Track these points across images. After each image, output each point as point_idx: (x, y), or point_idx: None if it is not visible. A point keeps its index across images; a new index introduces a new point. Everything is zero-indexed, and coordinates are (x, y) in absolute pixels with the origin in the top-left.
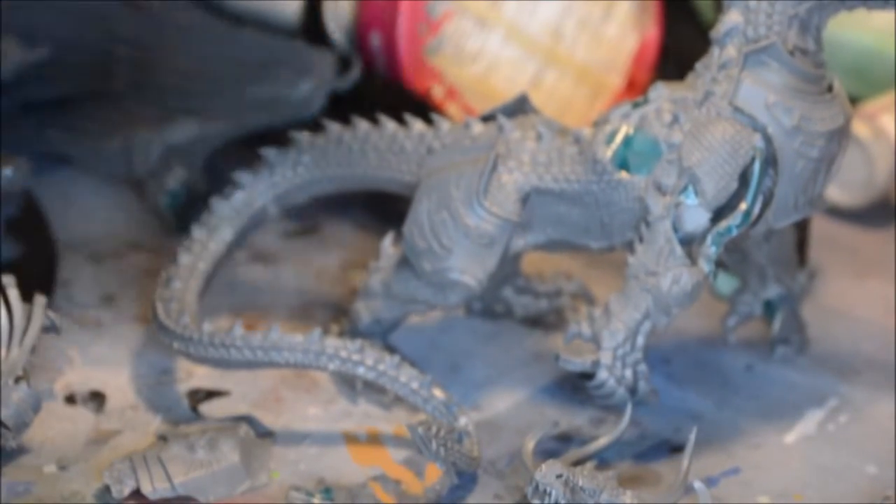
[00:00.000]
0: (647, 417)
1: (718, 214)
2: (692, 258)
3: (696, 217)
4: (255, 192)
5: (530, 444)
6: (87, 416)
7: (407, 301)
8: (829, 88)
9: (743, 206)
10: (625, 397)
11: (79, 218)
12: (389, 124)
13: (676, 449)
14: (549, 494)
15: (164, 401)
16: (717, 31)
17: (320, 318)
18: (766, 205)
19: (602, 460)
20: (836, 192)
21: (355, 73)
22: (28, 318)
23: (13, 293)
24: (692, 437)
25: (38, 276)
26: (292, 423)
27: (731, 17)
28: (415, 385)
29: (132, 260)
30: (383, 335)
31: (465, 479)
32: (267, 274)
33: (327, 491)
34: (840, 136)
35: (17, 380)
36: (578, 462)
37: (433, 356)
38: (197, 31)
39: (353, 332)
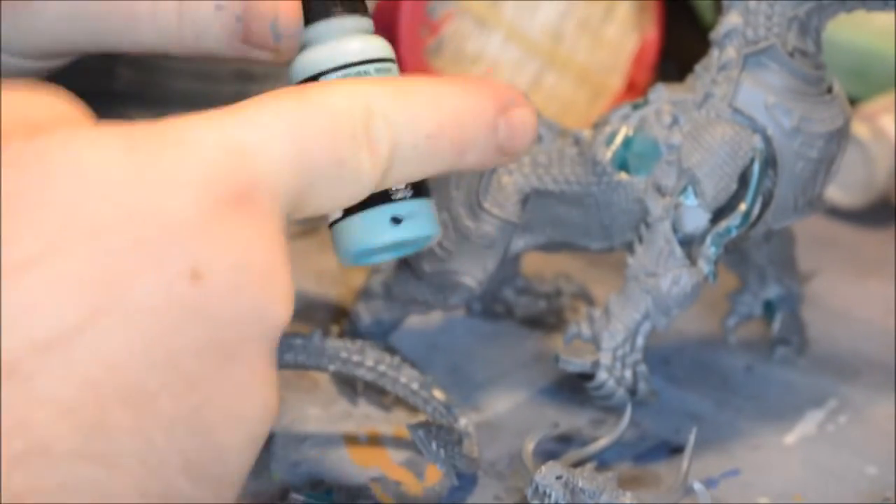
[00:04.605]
0: (647, 418)
1: (718, 215)
2: (692, 259)
3: (695, 218)
4: None
5: (530, 446)
6: None
7: (407, 302)
8: (829, 90)
9: (742, 206)
10: (624, 398)
11: None
12: None
13: (676, 450)
14: (549, 496)
15: None
16: (717, 33)
17: (320, 319)
18: (765, 205)
19: (602, 461)
20: (836, 193)
21: None
22: None
23: None
24: (692, 438)
25: None
26: (292, 424)
27: (731, 19)
28: (415, 386)
29: None
30: (384, 336)
31: (465, 480)
32: None
33: (328, 492)
34: (840, 137)
35: None
36: (578, 463)
37: (433, 357)
38: None
39: (353, 332)
